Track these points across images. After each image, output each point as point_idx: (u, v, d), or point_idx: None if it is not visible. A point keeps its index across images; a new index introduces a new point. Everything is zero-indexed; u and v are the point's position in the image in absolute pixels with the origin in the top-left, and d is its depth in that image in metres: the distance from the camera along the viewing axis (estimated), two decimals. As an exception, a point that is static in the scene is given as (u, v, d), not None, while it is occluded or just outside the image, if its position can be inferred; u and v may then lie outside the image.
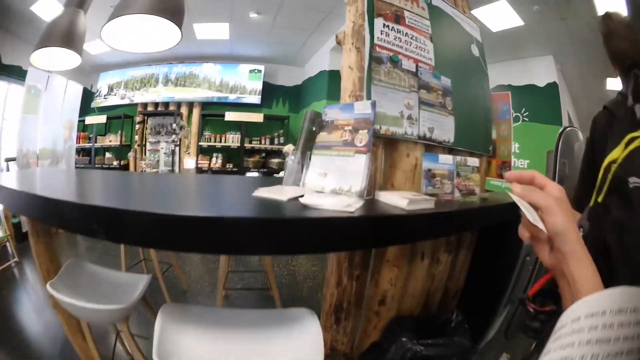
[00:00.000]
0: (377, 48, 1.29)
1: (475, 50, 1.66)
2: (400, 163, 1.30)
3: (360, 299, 1.34)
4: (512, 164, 2.57)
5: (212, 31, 4.35)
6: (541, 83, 3.85)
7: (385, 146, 1.28)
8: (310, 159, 1.27)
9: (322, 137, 1.28)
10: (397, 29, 1.36)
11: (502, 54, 3.73)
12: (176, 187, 1.60)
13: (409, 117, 1.30)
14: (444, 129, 1.41)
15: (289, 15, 3.87)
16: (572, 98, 3.89)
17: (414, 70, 1.36)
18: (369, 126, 1.14)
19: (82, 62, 5.44)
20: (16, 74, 4.29)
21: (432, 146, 1.36)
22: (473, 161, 1.31)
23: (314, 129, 1.36)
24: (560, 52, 3.66)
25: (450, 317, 1.29)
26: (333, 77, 4.51)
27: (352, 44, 1.31)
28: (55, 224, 1.16)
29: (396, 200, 1.01)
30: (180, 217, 0.81)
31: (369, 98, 1.22)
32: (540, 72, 3.84)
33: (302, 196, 1.00)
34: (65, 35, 1.42)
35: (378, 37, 1.30)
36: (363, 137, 1.14)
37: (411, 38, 1.40)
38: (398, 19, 1.38)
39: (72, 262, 1.36)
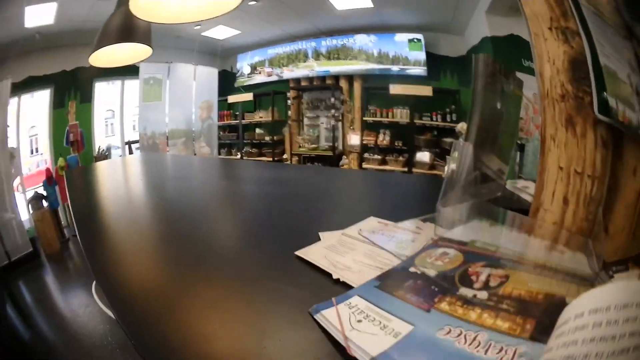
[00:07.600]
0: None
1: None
2: (625, 185, 0.56)
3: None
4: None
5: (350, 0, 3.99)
6: None
7: (606, 145, 0.57)
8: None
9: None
10: None
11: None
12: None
13: (637, 91, 0.59)
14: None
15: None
16: None
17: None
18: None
19: (210, 46, 5.78)
20: (127, 72, 4.92)
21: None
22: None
23: (496, 86, 0.73)
24: None
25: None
26: (497, 44, 3.58)
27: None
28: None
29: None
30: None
31: (585, 29, 0.56)
32: None
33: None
34: (123, 30, 1.39)
35: None
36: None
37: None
38: None
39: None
